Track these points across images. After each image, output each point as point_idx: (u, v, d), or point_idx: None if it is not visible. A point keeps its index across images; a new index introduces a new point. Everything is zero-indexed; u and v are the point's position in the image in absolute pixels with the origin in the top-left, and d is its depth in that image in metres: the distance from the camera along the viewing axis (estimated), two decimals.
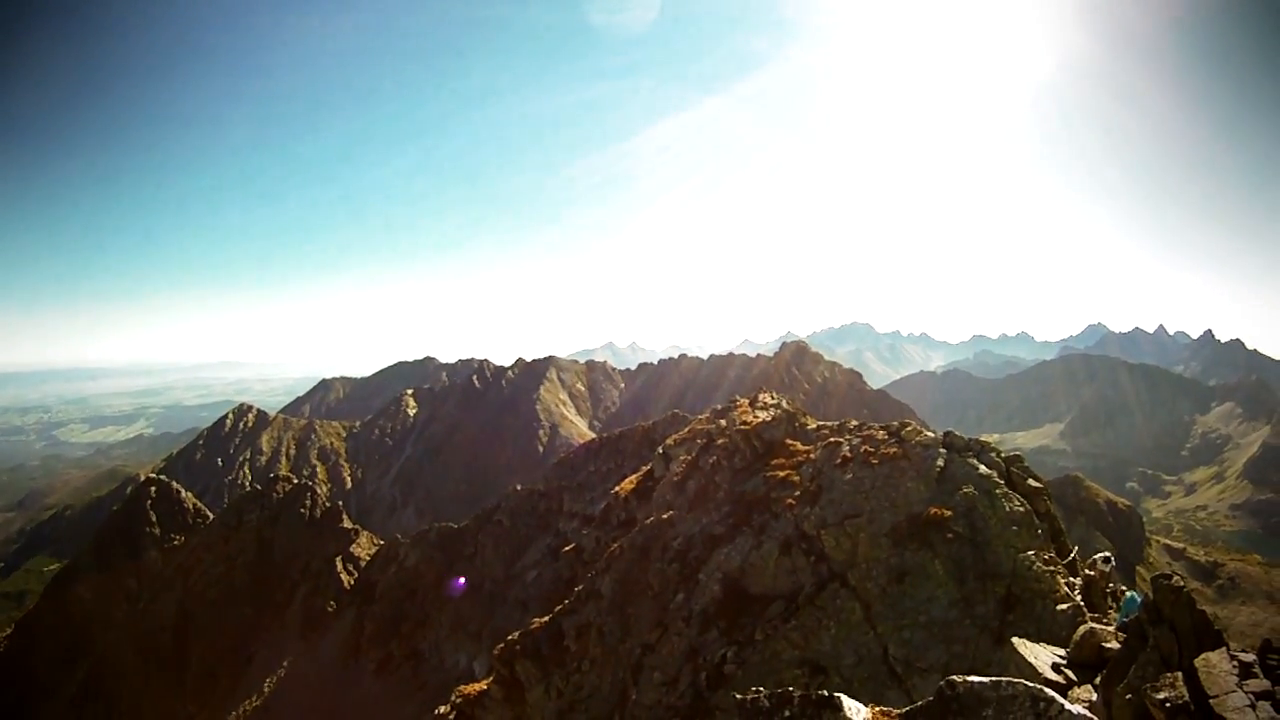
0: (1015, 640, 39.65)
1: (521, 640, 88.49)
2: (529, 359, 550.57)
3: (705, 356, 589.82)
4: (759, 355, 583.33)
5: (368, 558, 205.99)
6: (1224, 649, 27.77)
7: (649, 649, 72.78)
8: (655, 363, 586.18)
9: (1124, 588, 53.54)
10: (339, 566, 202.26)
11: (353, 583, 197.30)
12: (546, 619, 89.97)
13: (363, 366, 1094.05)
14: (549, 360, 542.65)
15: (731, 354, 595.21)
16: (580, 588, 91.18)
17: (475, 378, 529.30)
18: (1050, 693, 27.43)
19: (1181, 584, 30.52)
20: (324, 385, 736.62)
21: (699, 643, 68.89)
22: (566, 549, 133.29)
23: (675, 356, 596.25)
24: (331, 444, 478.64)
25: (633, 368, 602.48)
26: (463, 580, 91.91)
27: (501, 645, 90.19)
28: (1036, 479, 72.18)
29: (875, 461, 73.23)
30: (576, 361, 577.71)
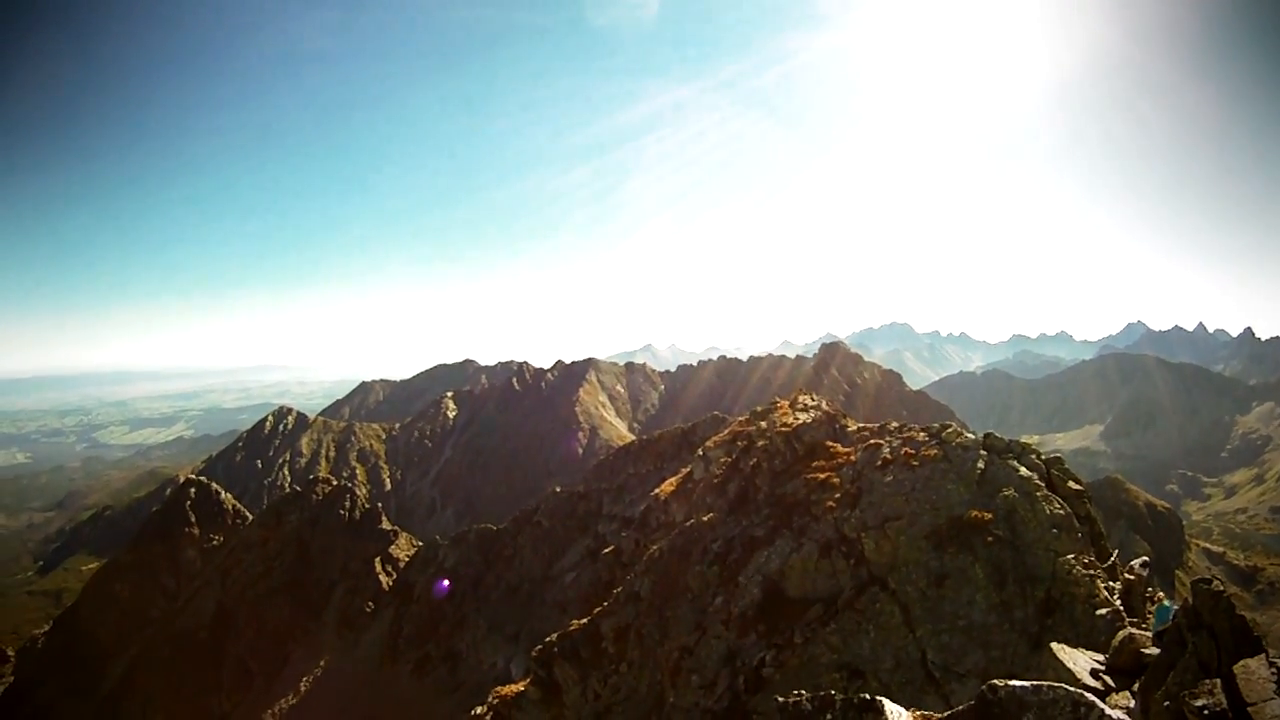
0: (1054, 645, 39.23)
1: (559, 642, 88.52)
2: (568, 361, 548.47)
3: (744, 358, 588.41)
4: (798, 356, 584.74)
5: (406, 559, 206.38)
6: (1263, 655, 27.11)
7: (687, 651, 72.73)
8: (694, 364, 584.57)
9: (1159, 594, 53.25)
10: (377, 567, 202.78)
11: (391, 584, 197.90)
12: (585, 621, 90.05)
13: (402, 369, 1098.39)
14: (588, 362, 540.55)
15: (770, 355, 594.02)
16: (619, 590, 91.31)
17: (515, 380, 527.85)
18: (1091, 697, 27.28)
19: (1221, 588, 30.12)
20: (363, 388, 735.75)
21: (737, 646, 68.91)
22: (605, 551, 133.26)
23: (714, 358, 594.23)
24: (371, 446, 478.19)
25: (672, 369, 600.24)
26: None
27: (539, 647, 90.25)
28: (1077, 481, 71.90)
29: (916, 464, 73.30)
30: (615, 364, 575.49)
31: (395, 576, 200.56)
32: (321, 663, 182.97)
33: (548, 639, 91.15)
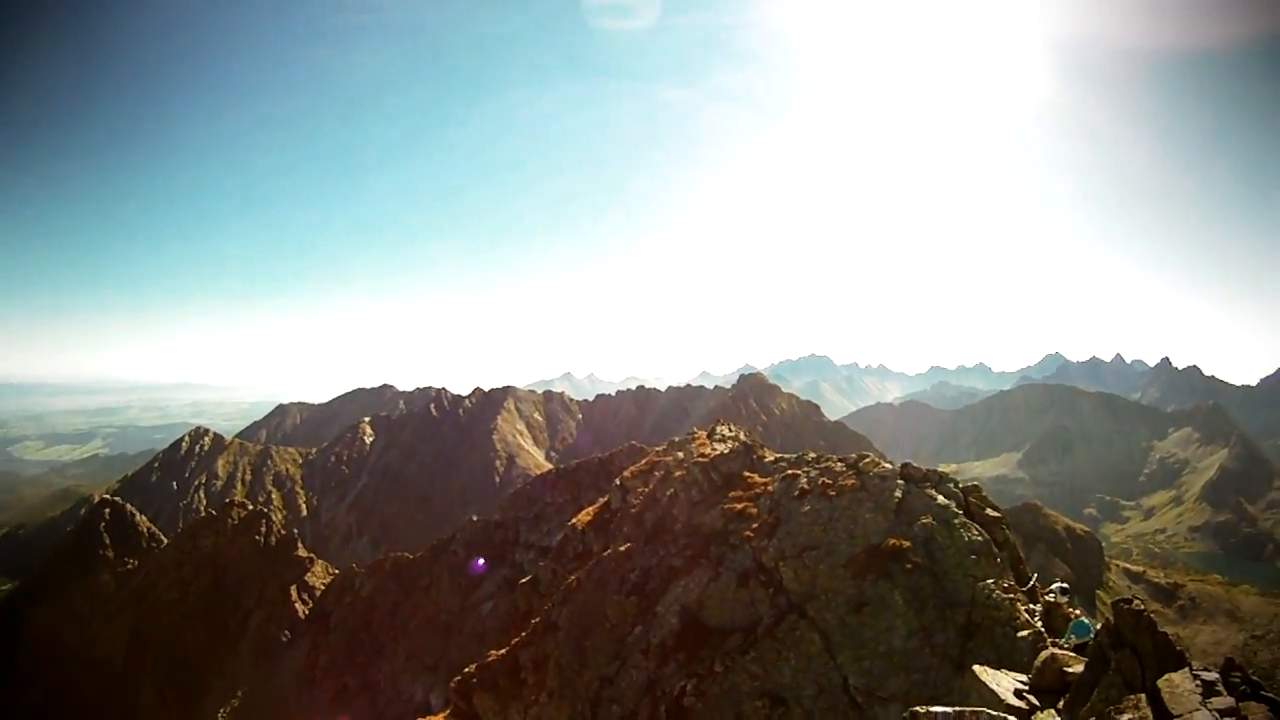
0: (976, 668, 40.03)
1: (478, 672, 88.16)
2: (486, 388, 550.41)
3: (663, 388, 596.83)
4: (717, 387, 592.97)
5: (323, 587, 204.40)
6: (1186, 669, 28.02)
7: (607, 681, 72.60)
8: (613, 394, 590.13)
9: (1076, 610, 54.12)
10: (293, 595, 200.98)
11: (307, 612, 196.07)
12: (503, 651, 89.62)
13: (321, 392, 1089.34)
14: (506, 390, 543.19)
15: (689, 386, 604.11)
16: (537, 620, 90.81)
17: (433, 406, 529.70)
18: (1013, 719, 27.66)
19: (1141, 607, 31.04)
20: (281, 410, 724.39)
21: (657, 675, 68.92)
22: (523, 581, 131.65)
23: (633, 388, 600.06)
24: (287, 470, 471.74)
25: (590, 399, 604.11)
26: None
27: (458, 677, 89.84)
28: (994, 508, 72.84)
29: (833, 493, 73.91)
30: (534, 392, 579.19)
31: (311, 605, 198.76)
32: (239, 693, 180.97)
33: (466, 670, 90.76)
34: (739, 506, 79.86)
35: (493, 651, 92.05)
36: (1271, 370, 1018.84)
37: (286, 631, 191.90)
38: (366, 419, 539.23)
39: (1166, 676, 27.44)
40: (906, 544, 64.48)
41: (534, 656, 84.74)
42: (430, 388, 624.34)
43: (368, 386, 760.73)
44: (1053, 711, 33.13)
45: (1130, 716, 26.55)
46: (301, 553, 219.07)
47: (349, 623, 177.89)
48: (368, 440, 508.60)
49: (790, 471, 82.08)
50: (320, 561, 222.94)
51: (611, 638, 77.00)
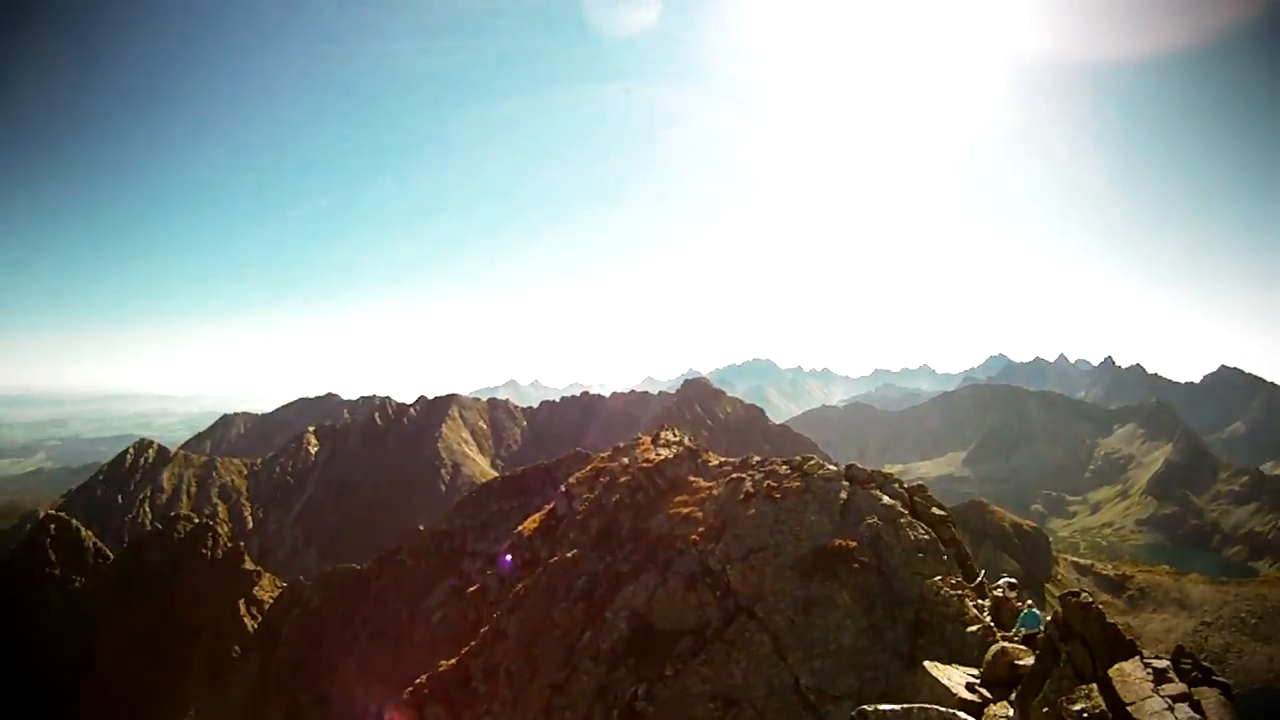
0: (927, 664, 40.07)
1: (430, 683, 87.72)
2: (431, 396, 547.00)
3: (607, 394, 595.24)
4: (661, 393, 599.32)
5: (271, 600, 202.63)
6: (1137, 658, 28.34)
7: (558, 689, 72.27)
8: (557, 400, 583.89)
9: (1026, 603, 54.47)
10: (242, 610, 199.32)
11: (256, 626, 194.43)
12: (454, 661, 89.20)
13: (265, 402, 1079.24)
14: (451, 398, 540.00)
15: (634, 391, 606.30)
16: (486, 628, 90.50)
17: (377, 415, 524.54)
18: (964, 717, 27.67)
19: (1089, 599, 31.48)
20: (226, 421, 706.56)
21: (608, 681, 68.66)
22: (471, 589, 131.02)
23: (577, 394, 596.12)
24: (233, 482, 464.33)
25: (535, 405, 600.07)
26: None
27: (410, 689, 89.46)
28: (940, 506, 73.98)
29: (778, 496, 74.54)
30: (478, 399, 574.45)
31: (261, 619, 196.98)
32: (191, 711, 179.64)
33: (418, 680, 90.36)
34: (685, 511, 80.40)
35: (443, 661, 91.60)
36: (1214, 368, 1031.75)
37: (237, 647, 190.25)
38: (311, 429, 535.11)
39: (1117, 666, 27.73)
40: (853, 544, 65.07)
41: (485, 665, 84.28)
42: (375, 396, 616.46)
43: (312, 395, 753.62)
44: (1006, 703, 33.41)
45: (1083, 706, 26.81)
46: (249, 566, 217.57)
47: (299, 637, 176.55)
48: (313, 450, 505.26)
49: (735, 475, 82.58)
50: (268, 575, 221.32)
51: (561, 644, 76.63)
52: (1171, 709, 25.40)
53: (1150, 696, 25.91)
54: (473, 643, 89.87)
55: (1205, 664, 28.19)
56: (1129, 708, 25.84)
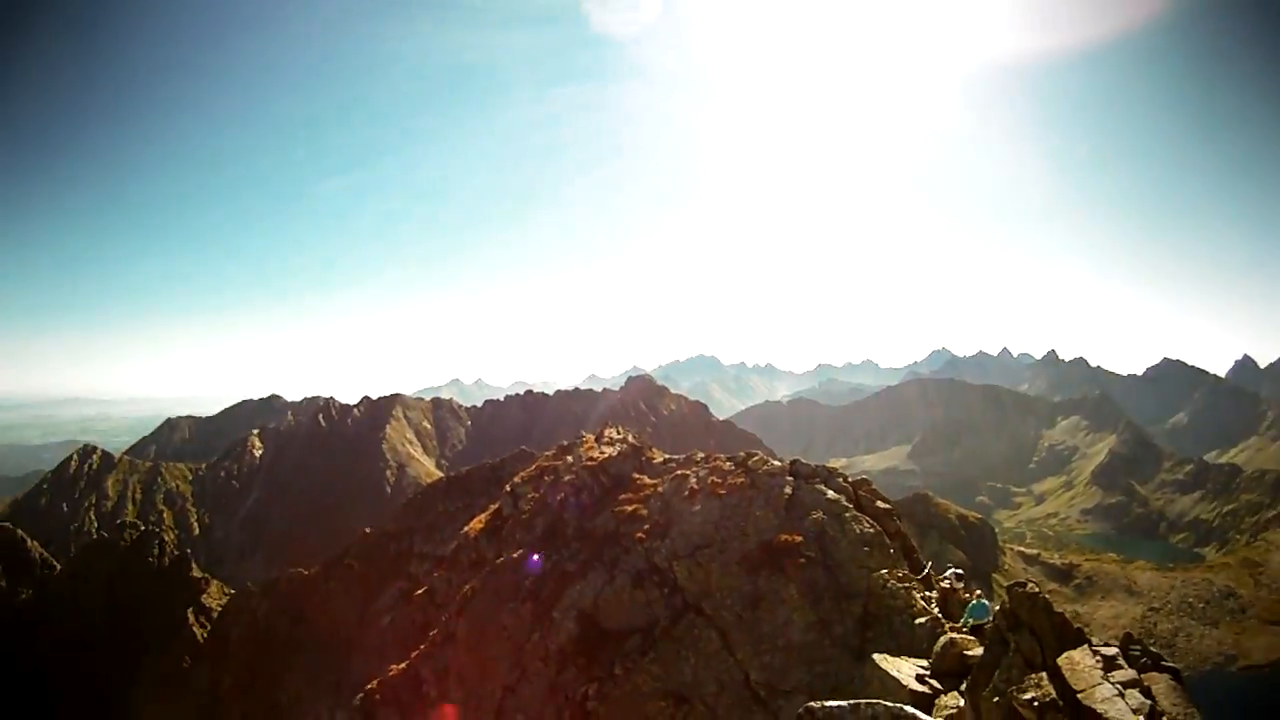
0: (876, 656, 40.61)
1: (380, 688, 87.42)
2: (374, 397, 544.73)
3: (551, 392, 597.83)
4: (605, 390, 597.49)
5: (219, 608, 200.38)
6: (1086, 646, 28.88)
7: (510, 690, 72.30)
8: (501, 399, 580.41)
9: (974, 593, 54.74)
10: (191, 619, 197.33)
11: (206, 635, 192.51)
12: (404, 665, 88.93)
13: (208, 405, 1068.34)
14: (394, 398, 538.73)
15: (578, 389, 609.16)
16: (435, 631, 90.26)
17: (321, 417, 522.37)
18: (912, 710, 27.70)
19: (1036, 589, 31.78)
20: (170, 424, 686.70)
21: (559, 681, 68.74)
22: (419, 592, 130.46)
23: (521, 392, 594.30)
24: (178, 487, 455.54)
25: (479, 404, 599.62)
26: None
27: (361, 695, 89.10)
28: (885, 500, 74.78)
29: (723, 492, 74.86)
30: (422, 399, 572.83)
31: (210, 628, 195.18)
32: None
33: (369, 686, 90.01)
34: (630, 509, 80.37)
35: (394, 666, 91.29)
36: (1157, 360, 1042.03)
37: (187, 657, 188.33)
38: (255, 431, 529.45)
39: (1066, 654, 28.19)
40: (799, 539, 65.46)
41: (435, 669, 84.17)
42: (318, 398, 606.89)
43: (255, 397, 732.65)
44: (956, 694, 33.76)
45: (1033, 695, 27.21)
46: (196, 573, 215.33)
47: (249, 644, 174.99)
48: (257, 453, 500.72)
49: (679, 472, 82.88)
50: (215, 581, 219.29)
51: (510, 646, 76.52)
52: (1122, 695, 25.78)
53: (1100, 683, 26.25)
54: (423, 646, 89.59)
55: (1154, 650, 28.52)
56: (1079, 695, 26.12)
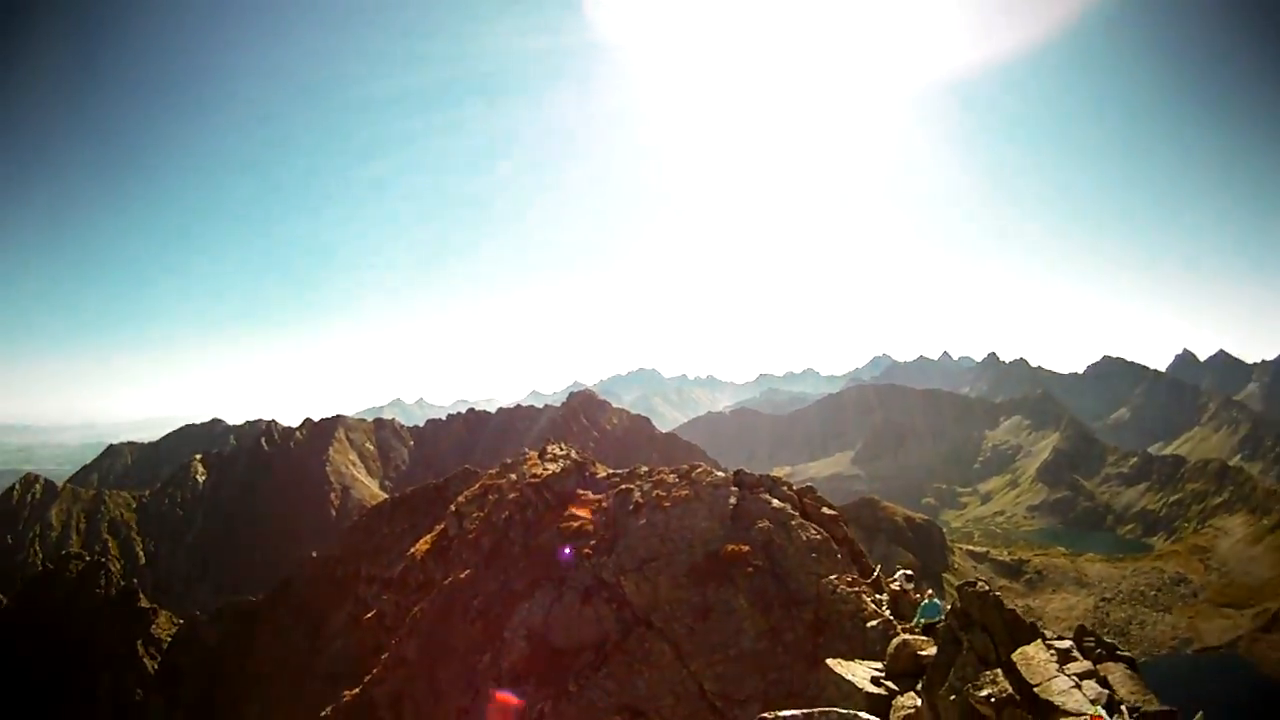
0: (830, 661, 40.45)
1: (335, 715, 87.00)
2: (316, 419, 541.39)
3: (493, 409, 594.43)
4: (547, 406, 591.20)
5: (169, 639, 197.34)
6: (1040, 640, 29.04)
7: (464, 712, 72.31)
8: (444, 418, 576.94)
9: (926, 593, 55.01)
10: (141, 650, 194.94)
11: (157, 667, 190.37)
12: (357, 690, 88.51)
13: (150, 430, 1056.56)
14: (337, 419, 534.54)
15: (520, 406, 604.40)
16: (387, 655, 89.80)
17: (263, 440, 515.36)
18: (866, 717, 27.78)
19: (986, 588, 31.98)
20: (112, 452, 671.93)
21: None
22: (368, 616, 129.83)
23: (463, 410, 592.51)
24: (122, 515, 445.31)
25: (421, 424, 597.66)
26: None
27: None
28: (830, 506, 75.95)
29: (668, 504, 75.07)
30: (364, 420, 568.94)
31: (160, 659, 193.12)
32: None
33: (323, 713, 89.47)
34: (575, 524, 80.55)
35: (347, 691, 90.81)
36: (1097, 358, 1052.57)
37: (139, 689, 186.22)
38: (198, 457, 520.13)
39: (1020, 649, 28.35)
40: (745, 548, 66.08)
41: (388, 693, 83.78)
42: (260, 420, 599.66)
43: (197, 422, 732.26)
44: (913, 694, 33.67)
45: (990, 691, 27.30)
46: (144, 603, 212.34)
47: (200, 675, 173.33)
48: (200, 479, 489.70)
49: (623, 486, 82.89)
50: (164, 612, 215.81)
51: (462, 667, 76.63)
52: (1079, 686, 26.00)
53: (1056, 676, 26.45)
54: (374, 670, 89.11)
55: (1108, 639, 28.80)
56: (1036, 689, 26.29)
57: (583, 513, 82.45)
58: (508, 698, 67.29)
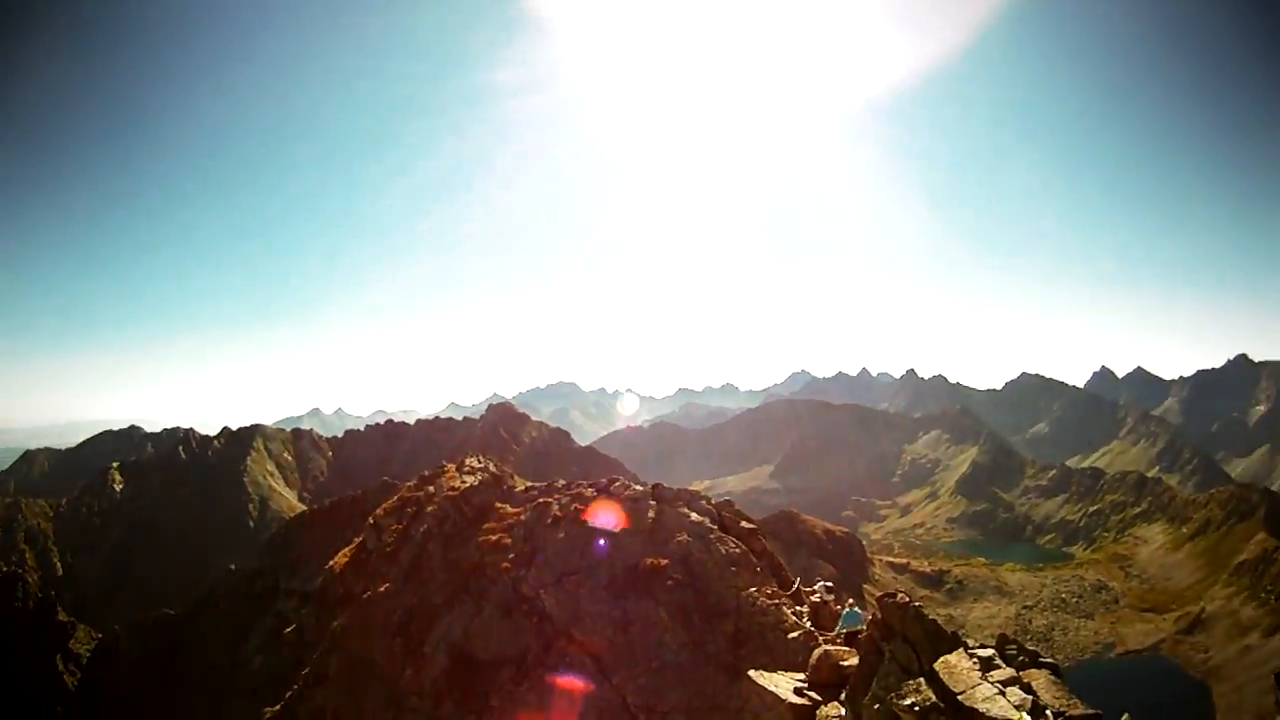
0: (752, 673, 40.96)
1: None
2: (234, 428, 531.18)
3: (412, 421, 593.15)
4: (466, 418, 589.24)
5: (88, 654, 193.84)
6: (961, 649, 29.60)
7: None
8: (362, 429, 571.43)
9: (847, 604, 55.54)
10: (60, 666, 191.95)
11: (76, 684, 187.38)
12: (278, 707, 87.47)
13: (66, 434, 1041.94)
14: (255, 429, 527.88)
15: (438, 418, 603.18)
16: (307, 670, 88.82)
17: (181, 449, 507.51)
18: None
19: (906, 599, 32.85)
20: (28, 458, 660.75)
21: (435, 716, 68.87)
22: (288, 630, 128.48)
23: (381, 421, 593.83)
24: (39, 525, 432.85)
25: (340, 434, 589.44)
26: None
27: None
28: (749, 520, 77.43)
29: (586, 518, 75.53)
30: (283, 430, 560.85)
31: (80, 675, 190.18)
32: None
33: None
34: (494, 538, 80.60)
35: (267, 709, 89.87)
36: (1015, 375, 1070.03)
37: (59, 707, 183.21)
38: (115, 465, 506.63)
39: (942, 659, 28.90)
40: (664, 562, 66.50)
41: (310, 710, 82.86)
42: (178, 428, 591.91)
43: (115, 428, 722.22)
44: (837, 704, 34.24)
45: (913, 700, 27.77)
46: (63, 617, 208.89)
47: (121, 691, 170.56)
48: (118, 488, 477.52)
49: (542, 500, 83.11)
50: (83, 626, 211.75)
51: (384, 683, 76.36)
52: (1003, 693, 26.48)
53: (980, 684, 26.98)
54: (296, 686, 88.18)
55: (1031, 646, 29.38)
56: (960, 697, 26.72)
57: (501, 526, 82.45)
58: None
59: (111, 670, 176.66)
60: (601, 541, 75.53)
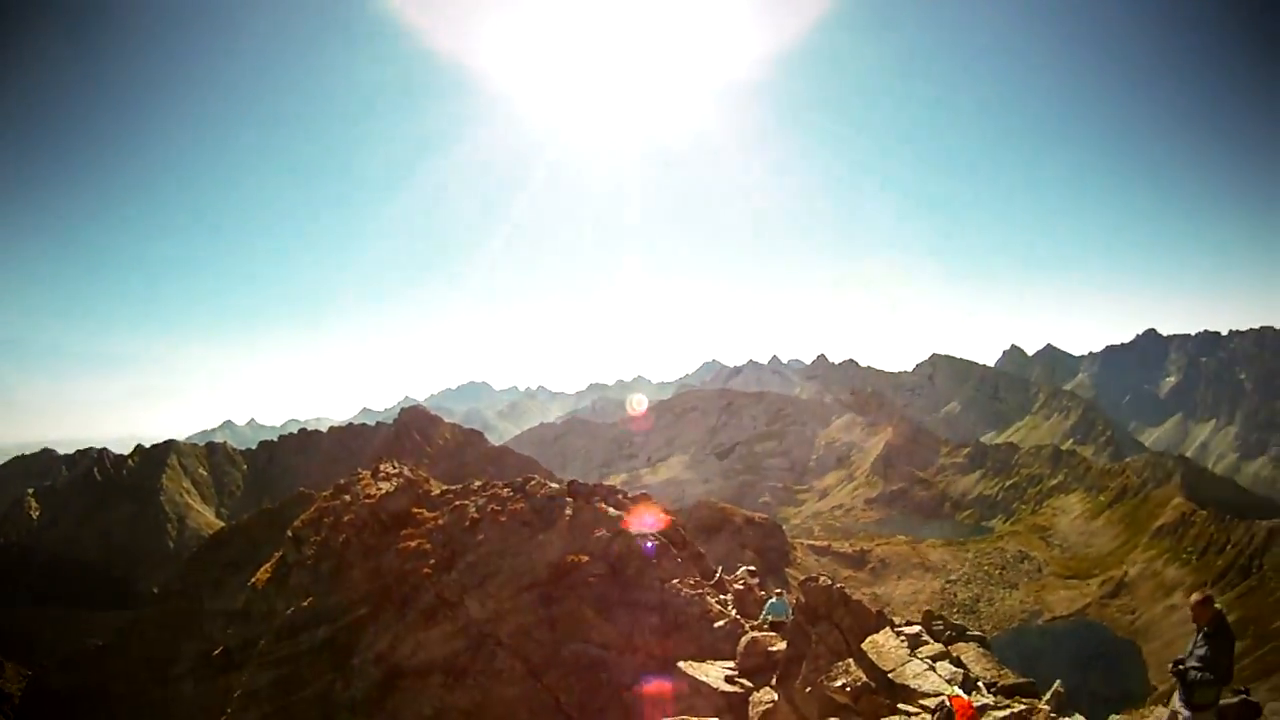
0: (681, 664, 41.46)
1: None
2: (147, 445, 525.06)
3: (325, 429, 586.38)
4: (379, 423, 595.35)
5: (19, 693, 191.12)
6: (887, 628, 30.16)
7: None
8: (275, 439, 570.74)
9: (778, 590, 55.85)
10: None
11: None
12: None
13: None
14: (168, 445, 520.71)
15: (352, 424, 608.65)
16: (238, 693, 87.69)
17: (95, 470, 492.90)
18: None
19: (829, 582, 33.27)
20: None
21: None
22: (216, 652, 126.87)
23: (294, 430, 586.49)
24: None
25: (254, 447, 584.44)
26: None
27: None
28: (667, 511, 79.07)
29: (504, 519, 75.78)
30: (196, 445, 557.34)
31: (13, 715, 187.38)
32: None
33: None
34: (413, 544, 79.94)
35: None
36: (926, 356, 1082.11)
37: None
38: (30, 491, 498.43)
39: (870, 639, 29.30)
40: (585, 558, 67.08)
41: None
42: (91, 449, 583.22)
43: (28, 452, 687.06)
44: (769, 688, 34.14)
45: (844, 681, 27.90)
46: None
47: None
48: (34, 515, 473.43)
49: (458, 503, 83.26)
50: (9, 664, 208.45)
51: (316, 700, 75.07)
52: (933, 668, 26.95)
53: (909, 660, 27.39)
54: (228, 710, 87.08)
55: (958, 620, 29.93)
56: (890, 675, 27.08)
57: (420, 532, 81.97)
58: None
59: (43, 707, 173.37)
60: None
